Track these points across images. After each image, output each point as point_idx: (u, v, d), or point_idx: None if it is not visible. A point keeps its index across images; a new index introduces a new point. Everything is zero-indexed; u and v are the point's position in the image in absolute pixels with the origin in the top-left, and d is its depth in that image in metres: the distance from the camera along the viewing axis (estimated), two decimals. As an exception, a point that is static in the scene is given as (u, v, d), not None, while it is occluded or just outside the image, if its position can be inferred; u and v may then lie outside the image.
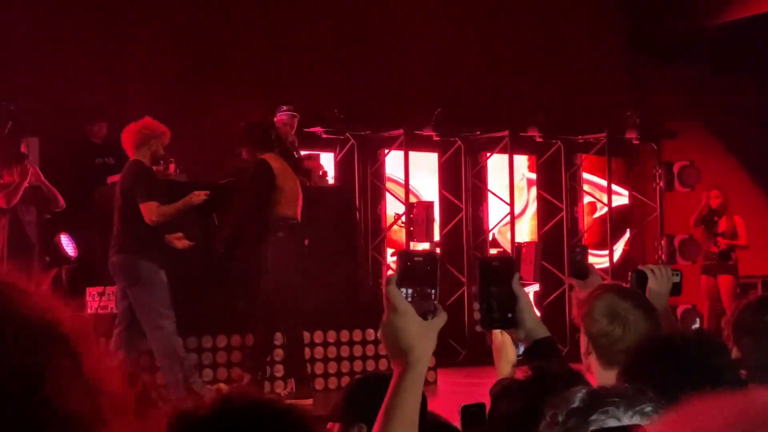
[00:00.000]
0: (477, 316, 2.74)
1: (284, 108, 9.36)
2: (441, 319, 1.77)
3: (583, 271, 3.41)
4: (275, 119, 9.14)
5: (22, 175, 8.20)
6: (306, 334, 8.49)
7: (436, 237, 11.42)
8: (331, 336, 8.77)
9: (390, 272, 2.04)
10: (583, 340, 3.01)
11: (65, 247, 8.85)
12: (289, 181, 7.75)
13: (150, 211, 6.92)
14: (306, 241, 7.88)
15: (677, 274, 3.34)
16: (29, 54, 10.01)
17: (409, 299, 1.73)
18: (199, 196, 7.14)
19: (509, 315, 2.26)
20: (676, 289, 3.30)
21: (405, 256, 1.77)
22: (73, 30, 10.36)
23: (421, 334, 1.73)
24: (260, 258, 7.69)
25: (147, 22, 10.65)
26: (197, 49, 11.01)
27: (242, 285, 8.10)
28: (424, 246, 10.69)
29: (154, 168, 7.39)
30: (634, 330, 2.88)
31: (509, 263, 2.31)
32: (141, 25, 10.68)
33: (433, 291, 1.75)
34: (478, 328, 9.33)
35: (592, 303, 3.00)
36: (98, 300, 8.33)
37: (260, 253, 7.70)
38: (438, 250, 10.35)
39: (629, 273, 3.38)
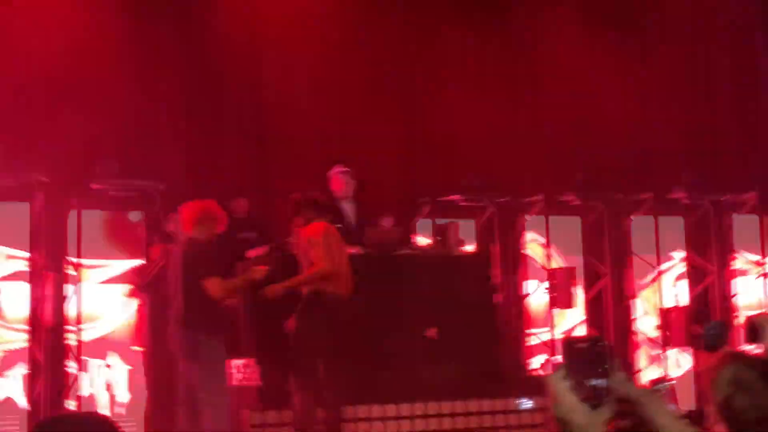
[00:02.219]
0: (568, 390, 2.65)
1: (337, 169, 9.16)
2: (609, 409, 1.71)
3: (713, 345, 3.28)
4: (332, 185, 9.02)
5: (161, 255, 8.43)
6: (445, 404, 8.40)
7: (580, 303, 11.20)
8: (474, 405, 8.66)
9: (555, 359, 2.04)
10: (711, 410, 2.91)
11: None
12: None
13: (213, 286, 7.00)
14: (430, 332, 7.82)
15: None
16: (177, 134, 10.39)
17: (576, 388, 1.72)
18: (259, 272, 7.21)
19: (601, 388, 2.07)
20: None
21: (568, 344, 1.79)
22: (216, 111, 10.71)
23: (587, 425, 1.70)
24: None
25: (291, 101, 10.91)
26: (342, 123, 11.18)
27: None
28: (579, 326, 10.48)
29: None
30: (761, 400, 2.75)
31: (597, 341, 2.13)
32: (283, 100, 10.94)
33: (600, 379, 1.74)
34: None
35: (718, 371, 2.90)
36: (243, 372, 8.45)
37: None
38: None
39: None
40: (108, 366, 9.56)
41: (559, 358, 2.06)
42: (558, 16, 12.33)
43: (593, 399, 1.67)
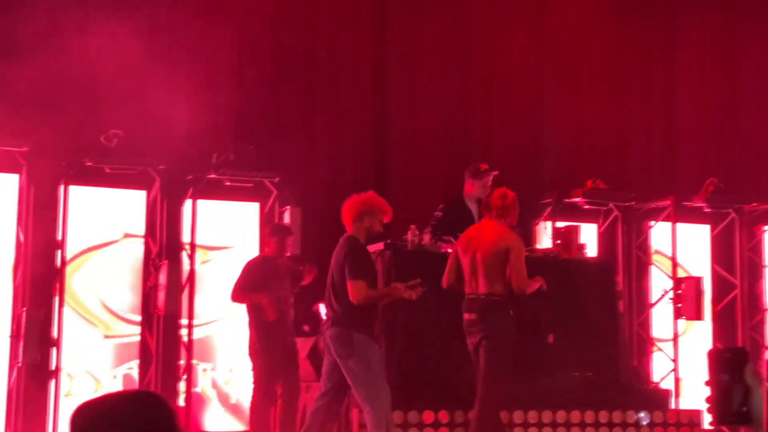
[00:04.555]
0: (708, 410, 2.42)
1: (483, 167, 8.81)
2: None
3: None
4: (468, 182, 8.73)
5: (280, 251, 8.30)
6: (561, 414, 8.09)
7: (707, 315, 10.69)
8: (589, 416, 8.31)
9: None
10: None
11: (323, 316, 8.91)
12: None
13: (358, 290, 6.79)
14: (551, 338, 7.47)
15: None
16: (296, 128, 10.33)
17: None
18: (408, 293, 6.88)
19: (744, 408, 2.08)
20: None
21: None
22: (337, 101, 10.63)
23: None
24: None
25: (412, 98, 10.79)
26: (463, 120, 11.02)
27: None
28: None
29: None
30: None
31: (742, 352, 2.12)
32: (404, 98, 10.81)
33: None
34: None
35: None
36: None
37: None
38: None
39: None
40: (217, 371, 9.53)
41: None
42: (697, 15, 11.90)
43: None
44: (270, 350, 8.05)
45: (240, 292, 8.12)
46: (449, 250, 8.26)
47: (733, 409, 2.08)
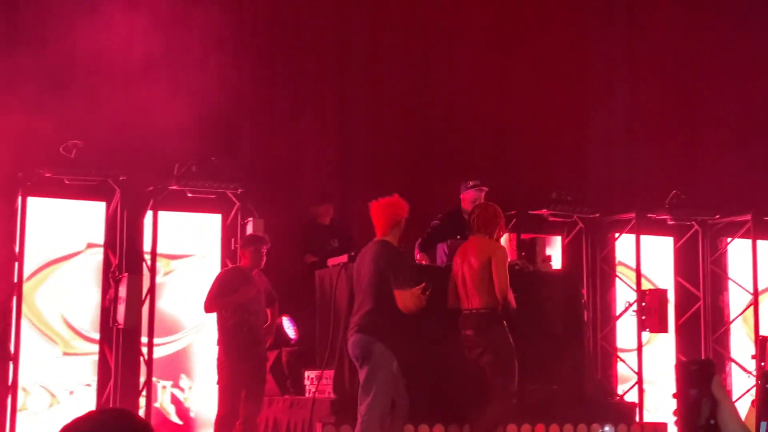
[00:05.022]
0: (676, 423, 2.40)
1: (471, 183, 9.09)
2: None
3: None
4: (462, 196, 9.01)
5: (257, 263, 8.21)
6: (526, 427, 8.04)
7: (671, 327, 10.68)
8: (554, 430, 8.26)
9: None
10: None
11: (286, 330, 8.82)
12: None
13: (407, 298, 6.70)
14: None
15: None
16: (257, 138, 10.24)
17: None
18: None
19: (711, 422, 2.06)
20: None
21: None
22: (300, 111, 10.54)
23: None
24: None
25: (373, 111, 10.76)
26: (423, 134, 11.00)
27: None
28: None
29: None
30: None
31: (709, 365, 2.11)
32: (369, 108, 10.78)
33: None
34: None
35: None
36: (316, 384, 8.22)
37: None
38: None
39: None
40: (177, 387, 9.38)
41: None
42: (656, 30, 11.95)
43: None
44: (238, 362, 7.94)
45: (212, 301, 8.01)
46: (423, 262, 8.34)
47: (701, 423, 2.06)
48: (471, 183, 9.09)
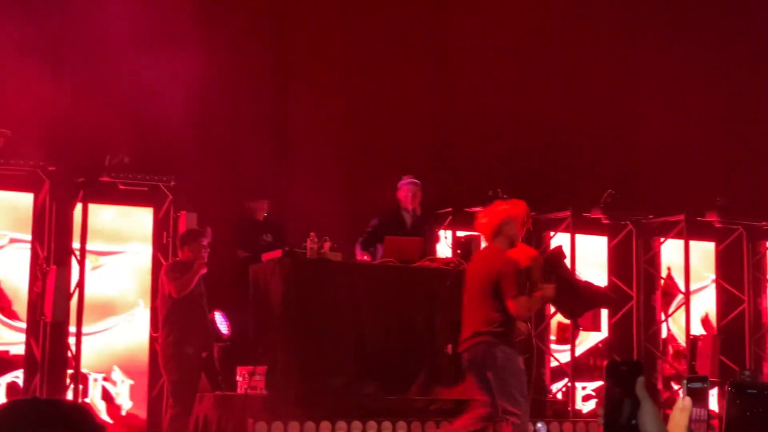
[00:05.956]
0: (600, 420, 2.40)
1: (405, 180, 9.18)
2: None
3: None
4: (398, 194, 9.10)
5: (198, 256, 8.12)
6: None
7: (604, 327, 10.75)
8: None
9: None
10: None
11: (219, 325, 8.71)
12: None
13: (521, 306, 6.61)
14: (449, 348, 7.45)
15: None
16: (191, 131, 10.08)
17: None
18: (551, 288, 6.80)
19: (633, 422, 2.08)
20: None
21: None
22: (237, 106, 10.42)
23: None
24: None
25: (315, 105, 10.67)
26: (367, 130, 10.94)
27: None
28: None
29: None
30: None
31: (637, 366, 2.11)
32: (307, 105, 10.69)
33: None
34: None
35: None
36: (248, 380, 8.13)
37: None
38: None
39: None
40: (109, 381, 9.21)
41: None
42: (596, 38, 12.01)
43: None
44: (189, 354, 7.91)
45: (179, 284, 7.99)
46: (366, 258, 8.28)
47: (622, 422, 2.08)
48: (405, 179, 9.09)
